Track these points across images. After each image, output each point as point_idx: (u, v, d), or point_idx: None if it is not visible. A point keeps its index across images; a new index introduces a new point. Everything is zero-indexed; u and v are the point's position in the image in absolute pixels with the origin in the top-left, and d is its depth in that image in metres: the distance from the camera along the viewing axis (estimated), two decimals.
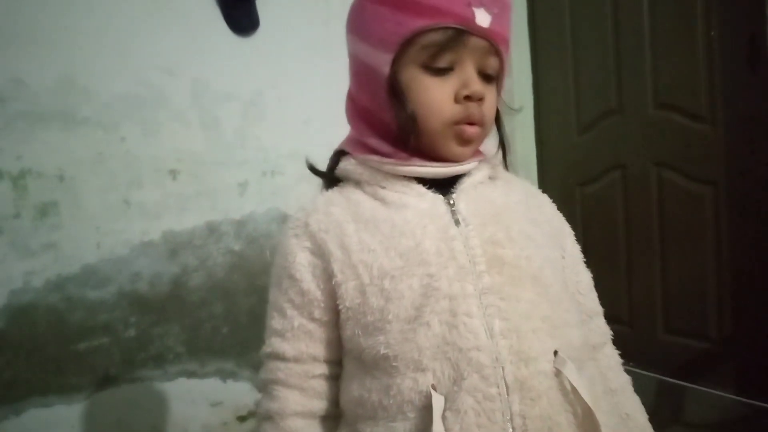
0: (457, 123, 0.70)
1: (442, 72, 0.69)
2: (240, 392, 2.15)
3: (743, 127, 2.00)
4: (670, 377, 2.27)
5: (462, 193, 0.73)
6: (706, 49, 2.06)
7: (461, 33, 0.67)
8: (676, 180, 2.21)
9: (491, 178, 0.76)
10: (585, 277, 0.82)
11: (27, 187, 1.77)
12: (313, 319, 0.74)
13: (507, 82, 2.51)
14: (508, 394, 0.63)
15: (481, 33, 0.68)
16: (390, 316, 0.66)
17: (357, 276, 0.69)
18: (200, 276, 2.07)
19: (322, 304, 0.73)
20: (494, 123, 0.77)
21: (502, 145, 0.80)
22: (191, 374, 2.06)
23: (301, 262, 0.73)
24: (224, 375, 2.12)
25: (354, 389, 0.71)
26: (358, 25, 0.75)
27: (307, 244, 0.74)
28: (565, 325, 0.70)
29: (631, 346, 2.36)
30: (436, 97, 0.69)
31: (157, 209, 1.98)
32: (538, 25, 2.65)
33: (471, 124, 0.70)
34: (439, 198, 0.72)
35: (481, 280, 0.67)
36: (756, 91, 1.92)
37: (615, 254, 2.42)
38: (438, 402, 0.62)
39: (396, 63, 0.69)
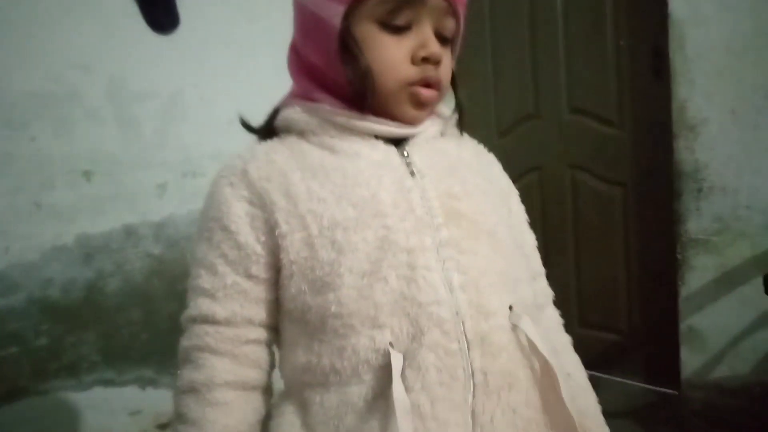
0: (413, 84, 0.66)
1: (399, 30, 0.65)
2: (160, 399, 2.08)
3: (648, 132, 2.13)
4: (585, 368, 2.38)
5: (415, 145, 0.69)
6: (615, 58, 2.19)
7: None
8: (588, 181, 2.33)
9: (443, 134, 0.73)
10: (529, 238, 0.81)
11: None
12: (249, 276, 0.66)
13: None
14: (468, 350, 0.61)
15: None
16: (342, 270, 0.61)
17: (304, 227, 0.63)
18: (117, 281, 1.99)
19: (262, 259, 0.66)
20: (450, 87, 0.72)
21: (459, 108, 0.75)
22: (108, 383, 1.98)
23: (238, 213, 0.66)
24: (143, 382, 2.06)
25: (300, 356, 0.65)
26: None
27: (245, 193, 0.66)
28: (518, 281, 0.69)
29: None
30: (392, 55, 0.65)
31: (71, 212, 1.89)
32: None
33: (427, 86, 0.67)
34: (392, 149, 0.68)
35: (439, 233, 0.64)
36: (659, 100, 2.04)
37: None
38: (397, 360, 0.59)
39: (349, 16, 0.64)
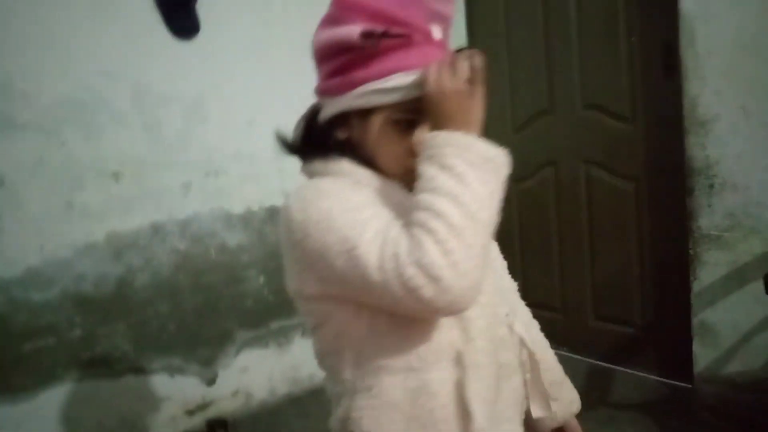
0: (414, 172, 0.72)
1: (406, 129, 0.76)
2: (188, 387, 2.20)
3: (660, 128, 2.14)
4: (600, 361, 2.42)
5: None
6: (627, 55, 2.19)
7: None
8: (602, 176, 2.35)
9: None
10: (495, 243, 0.88)
11: None
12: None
13: None
14: (497, 350, 0.78)
15: None
16: None
17: None
18: (145, 276, 2.10)
19: None
20: None
21: None
22: (138, 371, 2.10)
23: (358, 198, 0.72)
24: (172, 371, 2.17)
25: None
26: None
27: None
28: (506, 290, 0.88)
29: (564, 332, 2.53)
30: (397, 150, 0.76)
31: (101, 211, 2.00)
32: (475, 30, 2.75)
33: None
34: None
35: None
36: (671, 96, 2.05)
37: (548, 247, 2.54)
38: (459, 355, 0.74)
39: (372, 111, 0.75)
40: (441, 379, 0.72)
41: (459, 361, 0.73)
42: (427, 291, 0.61)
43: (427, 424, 0.72)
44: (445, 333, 0.73)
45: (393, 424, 0.72)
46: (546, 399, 0.88)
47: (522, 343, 0.85)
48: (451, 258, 0.61)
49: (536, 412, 0.88)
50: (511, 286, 0.93)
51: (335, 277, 0.68)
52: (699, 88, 1.94)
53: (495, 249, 0.90)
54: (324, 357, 0.78)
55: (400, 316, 0.70)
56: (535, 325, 0.96)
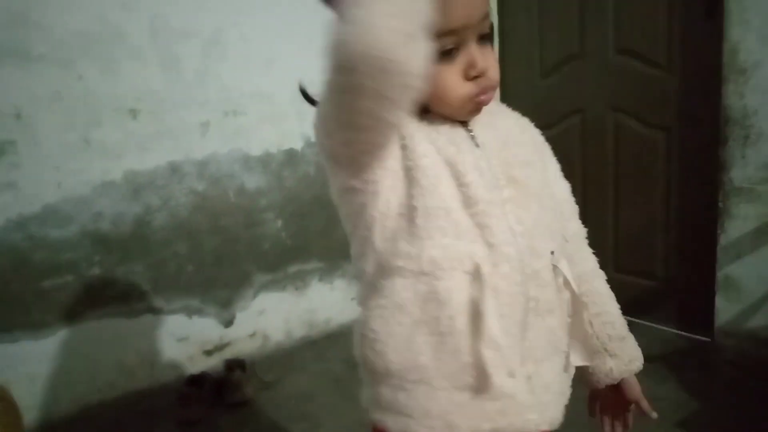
0: (474, 97, 0.74)
1: (447, 55, 0.71)
2: (205, 327, 2.21)
3: (697, 75, 2.05)
4: None
5: (476, 123, 0.79)
6: None
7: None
8: (631, 125, 2.27)
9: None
10: (565, 185, 0.91)
11: None
12: None
13: None
14: (526, 282, 0.76)
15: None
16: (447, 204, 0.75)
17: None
18: (163, 216, 2.08)
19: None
20: None
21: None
22: (157, 311, 2.10)
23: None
24: (190, 311, 2.18)
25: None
26: None
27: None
28: (557, 230, 0.84)
29: None
30: (448, 81, 0.73)
31: (118, 149, 1.97)
32: None
33: (484, 92, 0.75)
34: (458, 125, 0.78)
35: (503, 193, 0.76)
36: (711, 42, 1.95)
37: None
38: (485, 278, 0.73)
39: None
40: (451, 287, 0.72)
41: (477, 277, 0.72)
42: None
43: (434, 332, 0.72)
44: (465, 244, 0.73)
45: (400, 326, 0.74)
46: (586, 347, 0.86)
47: (566, 284, 0.82)
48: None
49: (575, 360, 0.86)
50: (579, 231, 0.92)
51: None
52: (742, 33, 1.84)
53: (561, 190, 0.89)
54: (356, 263, 0.79)
55: (421, 216, 0.72)
56: (599, 276, 0.93)
